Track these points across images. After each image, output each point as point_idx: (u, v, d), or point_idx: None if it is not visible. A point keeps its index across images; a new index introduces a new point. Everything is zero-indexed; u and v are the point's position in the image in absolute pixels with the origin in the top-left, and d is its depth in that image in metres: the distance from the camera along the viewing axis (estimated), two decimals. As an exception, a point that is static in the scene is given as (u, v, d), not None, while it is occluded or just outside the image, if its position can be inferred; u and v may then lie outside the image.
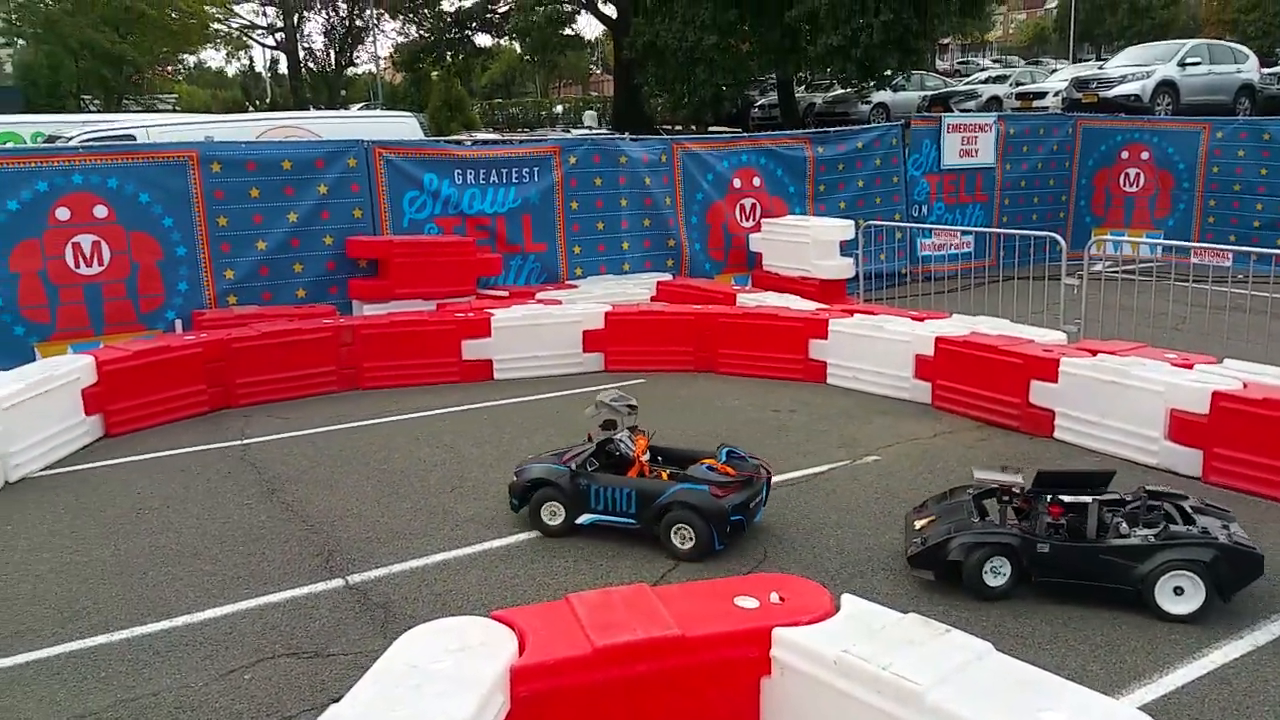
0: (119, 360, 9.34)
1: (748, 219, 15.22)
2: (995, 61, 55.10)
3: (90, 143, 12.58)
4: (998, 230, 16.38)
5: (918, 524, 6.09)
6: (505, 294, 12.93)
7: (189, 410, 9.77)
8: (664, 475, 6.69)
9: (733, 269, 15.14)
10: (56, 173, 10.78)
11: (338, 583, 6.12)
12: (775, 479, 7.41)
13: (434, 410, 9.93)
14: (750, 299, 12.42)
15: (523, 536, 6.72)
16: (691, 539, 6.28)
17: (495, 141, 18.08)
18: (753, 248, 14.89)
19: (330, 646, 5.37)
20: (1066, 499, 5.73)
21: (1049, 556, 5.60)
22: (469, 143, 14.77)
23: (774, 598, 4.06)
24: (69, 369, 8.94)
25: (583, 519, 6.63)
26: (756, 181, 15.30)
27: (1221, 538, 5.42)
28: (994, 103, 28.89)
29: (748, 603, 4.01)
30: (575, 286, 13.58)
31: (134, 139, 13.47)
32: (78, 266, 10.94)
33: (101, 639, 5.49)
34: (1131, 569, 5.45)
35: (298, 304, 12.10)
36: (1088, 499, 5.68)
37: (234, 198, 11.69)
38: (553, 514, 6.67)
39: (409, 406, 10.08)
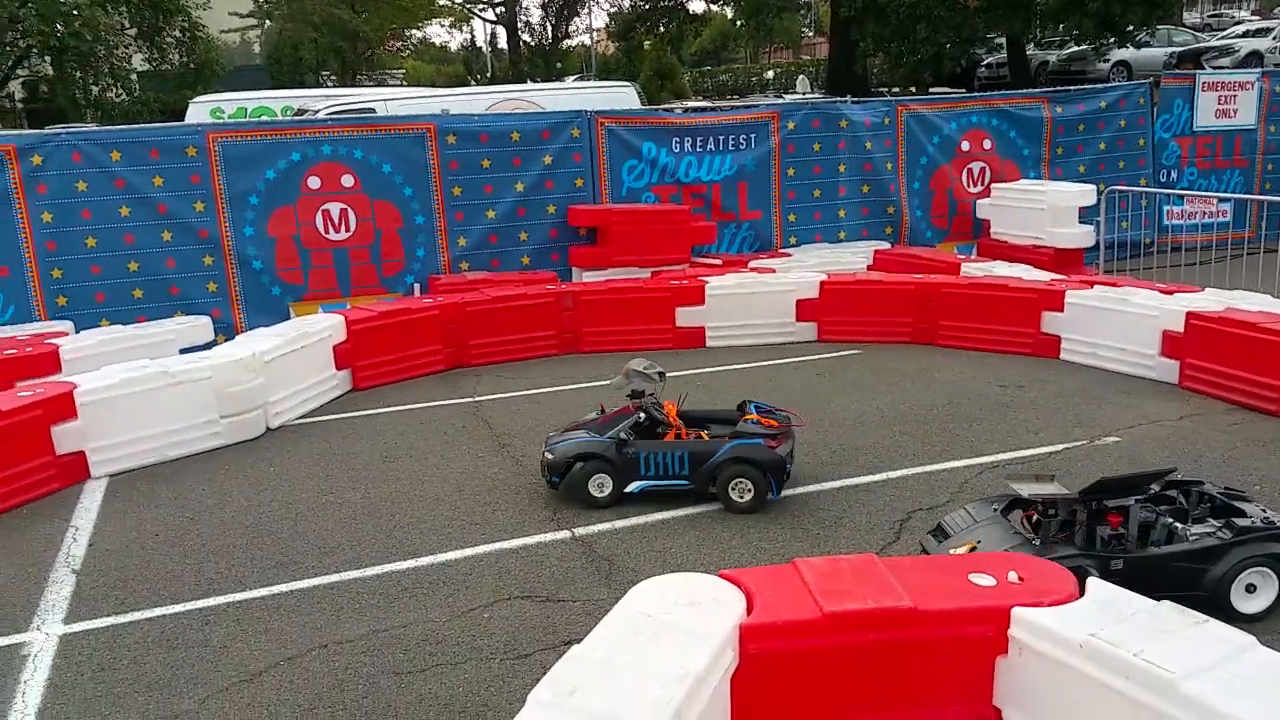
0: (366, 320, 10.04)
1: (975, 184, 14.56)
2: (1254, 14, 49.93)
3: (336, 116, 13.50)
4: (1262, 198, 14.92)
5: (954, 551, 5.18)
6: (719, 262, 12.97)
7: (427, 368, 10.40)
8: (704, 436, 6.83)
9: (956, 238, 14.56)
10: (308, 144, 11.66)
11: (565, 534, 6.38)
12: (1004, 457, 7.14)
13: (650, 375, 10.11)
14: (976, 268, 11.90)
15: (740, 501, 6.77)
16: (750, 492, 6.53)
17: (710, 109, 18.10)
18: (980, 215, 14.24)
19: (560, 593, 5.61)
20: (1112, 504, 5.14)
21: (1122, 573, 4.90)
22: (679, 110, 14.82)
23: (1012, 577, 3.91)
24: (322, 327, 9.69)
25: (632, 487, 6.65)
26: (987, 144, 14.60)
27: None
28: (1253, 59, 26.18)
29: (984, 580, 3.88)
30: (789, 255, 13.44)
31: (374, 112, 14.33)
32: (327, 232, 11.83)
33: (354, 574, 5.96)
34: (1205, 572, 4.96)
35: (523, 270, 12.62)
36: (1129, 501, 5.12)
37: (467, 168, 12.28)
38: (600, 486, 6.63)
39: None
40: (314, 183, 11.68)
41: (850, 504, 6.67)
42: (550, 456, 6.71)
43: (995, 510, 5.42)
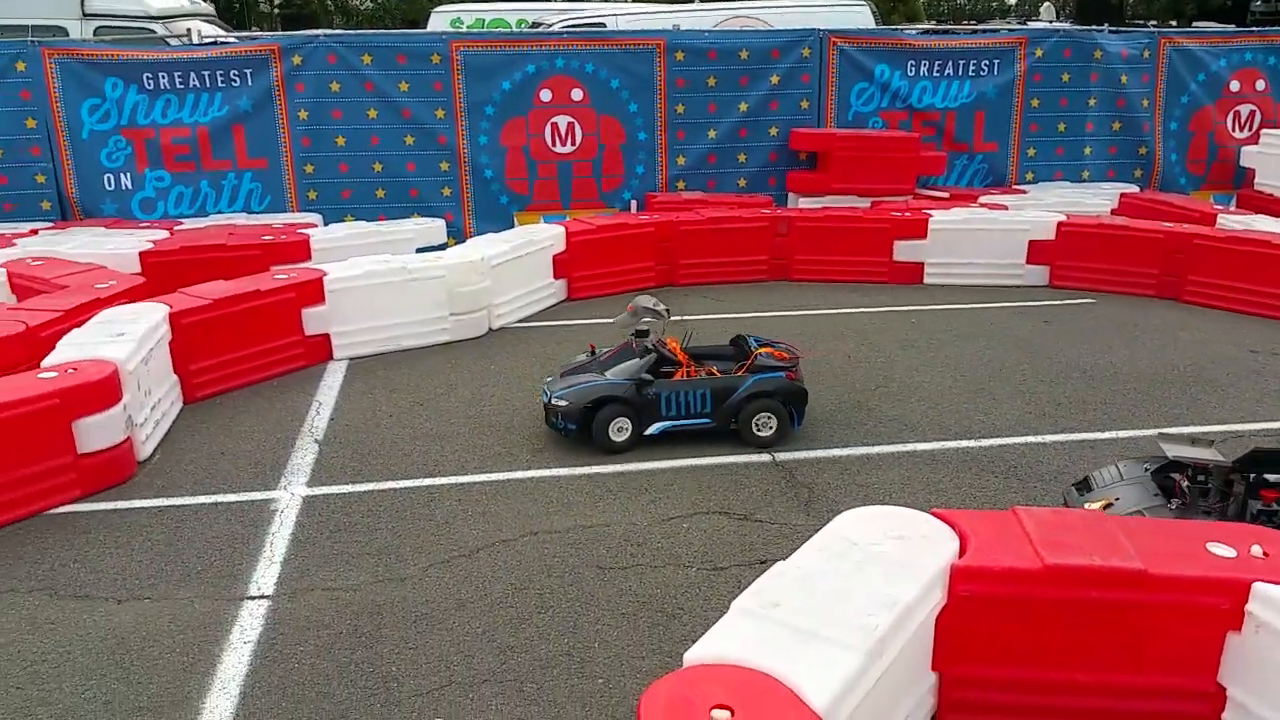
0: (584, 233, 10.30)
1: (1242, 129, 13.24)
2: None
3: (570, 29, 13.71)
4: None
5: (1091, 506, 4.88)
6: (946, 195, 12.45)
7: (637, 283, 10.59)
8: (715, 371, 6.70)
9: (1214, 186, 13.35)
10: (543, 56, 11.93)
11: (765, 457, 6.43)
12: (1248, 428, 6.61)
13: (859, 309, 9.92)
14: (1235, 221, 10.88)
15: (950, 444, 6.60)
16: (772, 426, 6.51)
17: (951, 31, 17.17)
18: (1244, 162, 12.97)
19: (757, 513, 5.69)
20: (1272, 477, 4.61)
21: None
22: (915, 33, 14.14)
23: (1256, 550, 3.64)
24: (544, 237, 10.03)
25: (653, 428, 6.48)
26: (1260, 85, 13.21)
27: None
28: None
29: (1223, 550, 3.63)
30: (1024, 192, 12.71)
31: (605, 26, 14.45)
32: (554, 145, 12.14)
33: (564, 471, 6.25)
34: None
35: (739, 192, 12.55)
36: None
37: (693, 86, 12.24)
38: (620, 430, 6.42)
39: (834, 302, 10.16)
40: (546, 95, 11.98)
41: (1073, 459, 6.35)
42: (564, 403, 6.40)
43: (1146, 470, 5.07)
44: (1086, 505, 4.97)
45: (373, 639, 4.52)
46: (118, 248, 9.39)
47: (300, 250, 9.73)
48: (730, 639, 3.00)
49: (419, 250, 10.16)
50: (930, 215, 10.79)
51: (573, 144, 12.16)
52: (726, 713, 2.64)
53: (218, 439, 6.80)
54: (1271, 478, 4.70)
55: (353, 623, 4.64)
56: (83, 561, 5.21)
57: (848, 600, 3.24)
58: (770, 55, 12.36)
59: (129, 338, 6.45)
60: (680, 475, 6.19)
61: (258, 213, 11.56)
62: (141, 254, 9.26)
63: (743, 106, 12.42)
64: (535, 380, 7.86)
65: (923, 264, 10.80)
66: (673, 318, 6.92)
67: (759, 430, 6.50)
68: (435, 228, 11.13)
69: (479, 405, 7.36)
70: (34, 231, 10.50)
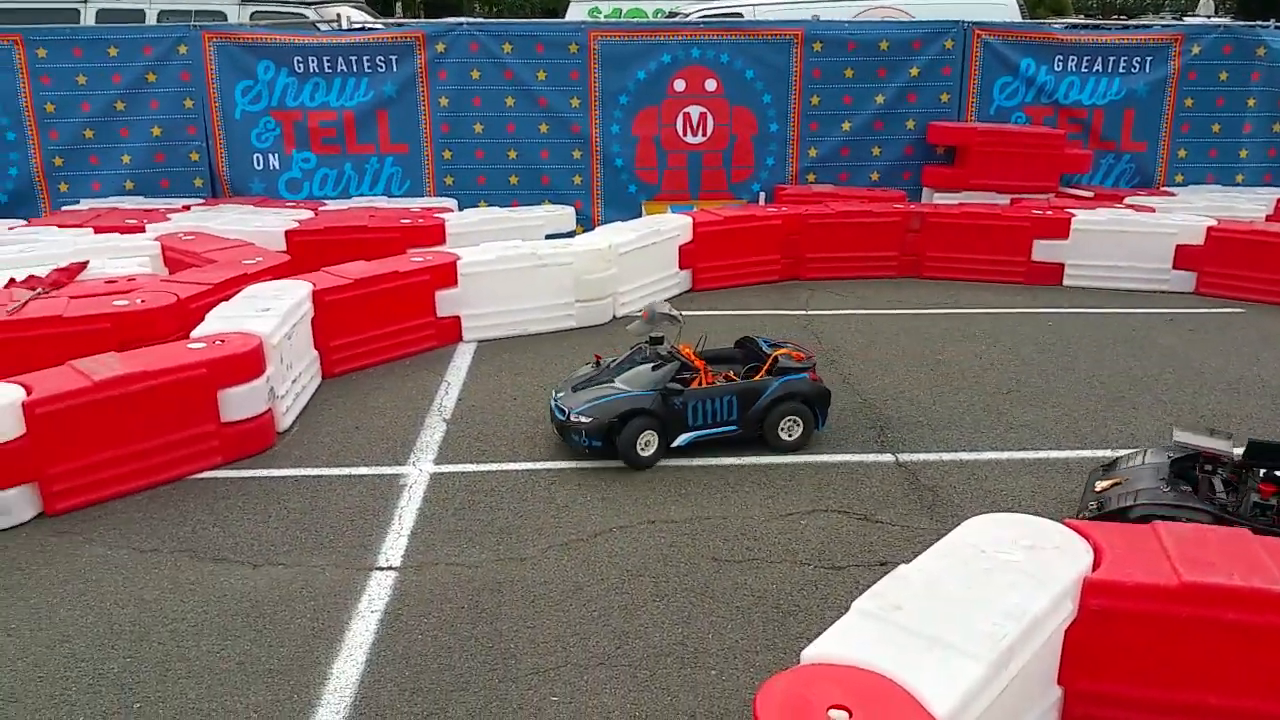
0: (711, 224, 10.29)
1: None
2: None
3: (707, 19, 13.69)
4: None
5: (1099, 485, 5.28)
6: (1090, 194, 11.94)
7: (762, 277, 10.53)
8: (733, 376, 6.49)
9: (1390, 193, 12.41)
10: (678, 46, 11.94)
11: (888, 458, 6.31)
12: None
13: (994, 309, 9.62)
14: None
15: (1086, 454, 6.33)
16: (799, 428, 6.32)
17: (1101, 26, 16.43)
18: None
19: (878, 514, 5.58)
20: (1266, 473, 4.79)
21: None
22: (1058, 27, 13.58)
23: None
24: (671, 226, 10.05)
25: (680, 440, 6.16)
26: None
27: None
28: None
29: (1380, 578, 3.39)
30: (1172, 194, 12.09)
31: (741, 16, 14.36)
32: (685, 135, 12.15)
33: (683, 461, 6.23)
34: None
35: (871, 186, 12.32)
36: None
37: (829, 77, 12.07)
38: (648, 444, 6.06)
39: (968, 301, 9.88)
40: (679, 85, 11.99)
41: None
42: (586, 420, 5.98)
43: (1169, 458, 5.20)
44: (1098, 484, 5.30)
45: (493, 615, 4.63)
46: (265, 226, 9.84)
47: (436, 234, 10.02)
48: (850, 639, 2.96)
49: (548, 236, 10.33)
50: (1073, 215, 10.37)
51: (704, 134, 12.15)
52: (844, 713, 2.61)
53: (353, 414, 7.07)
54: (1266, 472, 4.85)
55: (474, 598, 4.76)
56: (222, 526, 5.50)
57: (974, 608, 3.15)
58: (911, 47, 12.07)
59: (274, 313, 6.77)
60: (799, 471, 6.13)
61: (397, 196, 11.96)
62: (287, 232, 9.69)
63: (879, 99, 12.17)
64: (657, 369, 7.90)
65: (1063, 265, 10.39)
66: (687, 314, 6.81)
67: (786, 435, 6.29)
68: (565, 215, 11.29)
69: (601, 392, 7.44)
70: (186, 207, 11.12)
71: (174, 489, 5.91)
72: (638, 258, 9.47)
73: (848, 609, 3.21)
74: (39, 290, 7.26)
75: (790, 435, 6.31)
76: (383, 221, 10.05)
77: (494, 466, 6.23)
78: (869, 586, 3.34)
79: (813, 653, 2.93)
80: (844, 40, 12.00)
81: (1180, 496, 4.85)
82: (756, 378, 6.36)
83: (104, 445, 5.67)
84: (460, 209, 11.41)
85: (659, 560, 5.11)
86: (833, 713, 2.62)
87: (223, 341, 6.26)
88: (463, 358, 8.26)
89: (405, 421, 6.93)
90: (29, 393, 5.45)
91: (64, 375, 5.71)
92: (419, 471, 6.17)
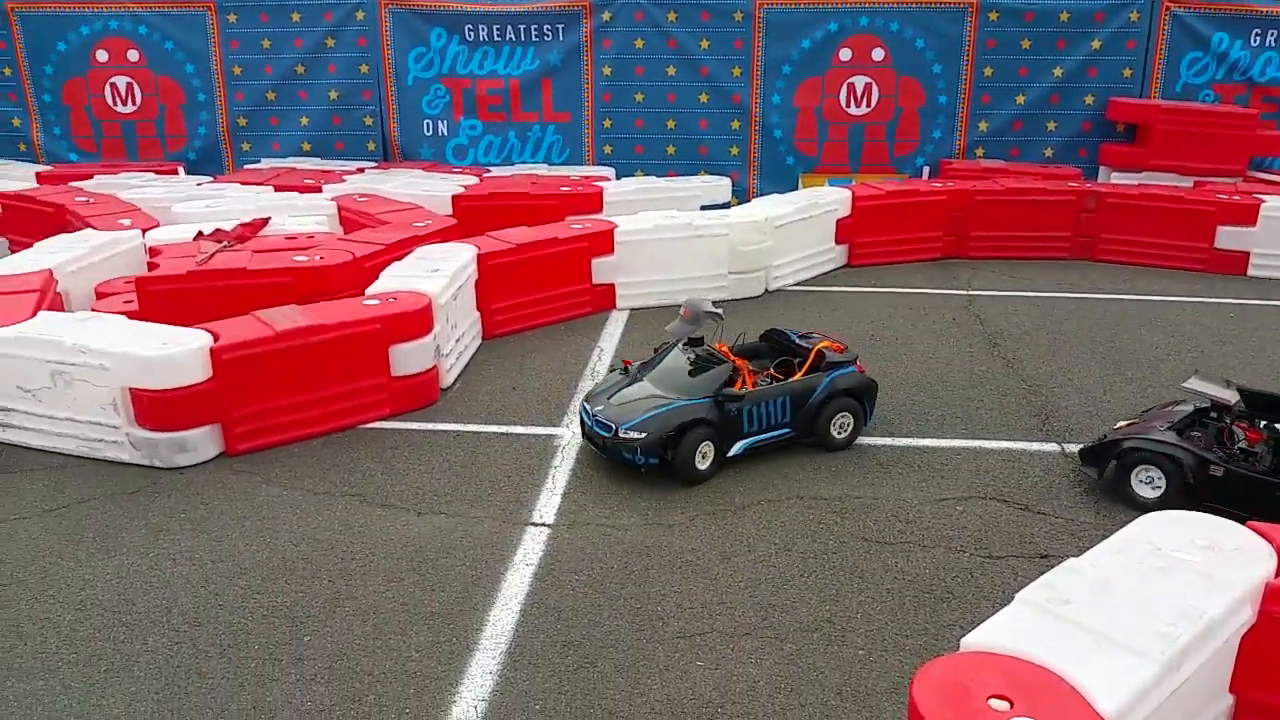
0: (872, 198, 10.06)
1: None
2: None
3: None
4: None
5: (1120, 424, 5.71)
6: (1286, 179, 11.08)
7: (923, 254, 10.24)
8: (773, 373, 6.06)
9: None
10: (846, 15, 11.66)
11: (1052, 447, 6.06)
12: None
13: (1172, 297, 9.08)
14: None
15: (1270, 454, 5.93)
16: (850, 425, 5.97)
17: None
18: None
19: (1040, 505, 5.38)
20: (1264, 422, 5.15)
21: (1220, 481, 5.08)
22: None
23: None
24: (829, 200, 9.88)
25: (735, 449, 5.71)
26: None
27: None
28: None
29: None
30: (1385, 180, 11.09)
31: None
32: (847, 106, 11.89)
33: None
34: None
35: (1043, 163, 11.78)
36: None
37: (1005, 48, 11.57)
38: (704, 456, 5.54)
39: (1143, 288, 9.35)
40: (845, 55, 11.74)
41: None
42: (640, 435, 5.44)
43: (1195, 406, 5.56)
44: (1120, 423, 5.72)
45: (641, 578, 4.71)
46: (434, 190, 10.18)
47: (594, 202, 10.15)
48: (1013, 630, 2.88)
49: (703, 208, 10.32)
50: (1263, 200, 9.65)
51: (868, 105, 11.87)
52: (1005, 704, 2.54)
53: (510, 375, 7.28)
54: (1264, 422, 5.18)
55: (623, 560, 4.85)
56: (389, 474, 5.77)
57: (1147, 607, 3.01)
58: (1093, 19, 11.43)
59: (442, 274, 7.02)
60: (956, 456, 5.96)
61: (557, 164, 12.17)
62: (454, 197, 10.00)
63: (1057, 71, 11.60)
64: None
65: (1248, 253, 9.72)
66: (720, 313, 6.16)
67: (838, 432, 5.94)
68: (721, 186, 11.25)
69: (753, 364, 7.41)
70: (360, 170, 11.63)
71: (345, 437, 6.23)
72: (793, 231, 9.36)
73: (1004, 599, 3.12)
74: (225, 243, 7.73)
75: (842, 433, 5.97)
76: (543, 189, 10.25)
77: (645, 433, 6.30)
78: (1027, 578, 3.24)
79: (973, 640, 2.86)
80: (1021, 10, 11.46)
81: (1168, 437, 5.28)
82: (799, 375, 5.95)
83: (282, 393, 6.03)
84: (617, 178, 11.52)
85: (807, 536, 5.07)
86: (993, 702, 2.55)
87: (395, 299, 6.53)
88: (615, 325, 8.37)
89: (560, 384, 7.09)
90: (216, 339, 5.84)
91: (248, 325, 6.08)
92: (572, 434, 6.30)
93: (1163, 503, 5.11)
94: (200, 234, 8.07)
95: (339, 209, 9.51)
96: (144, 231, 8.44)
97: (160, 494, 5.53)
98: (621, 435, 5.48)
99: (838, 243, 9.99)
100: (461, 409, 6.67)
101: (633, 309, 8.70)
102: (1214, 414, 5.42)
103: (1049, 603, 2.99)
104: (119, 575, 4.75)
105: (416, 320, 6.45)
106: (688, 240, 8.68)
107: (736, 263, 8.88)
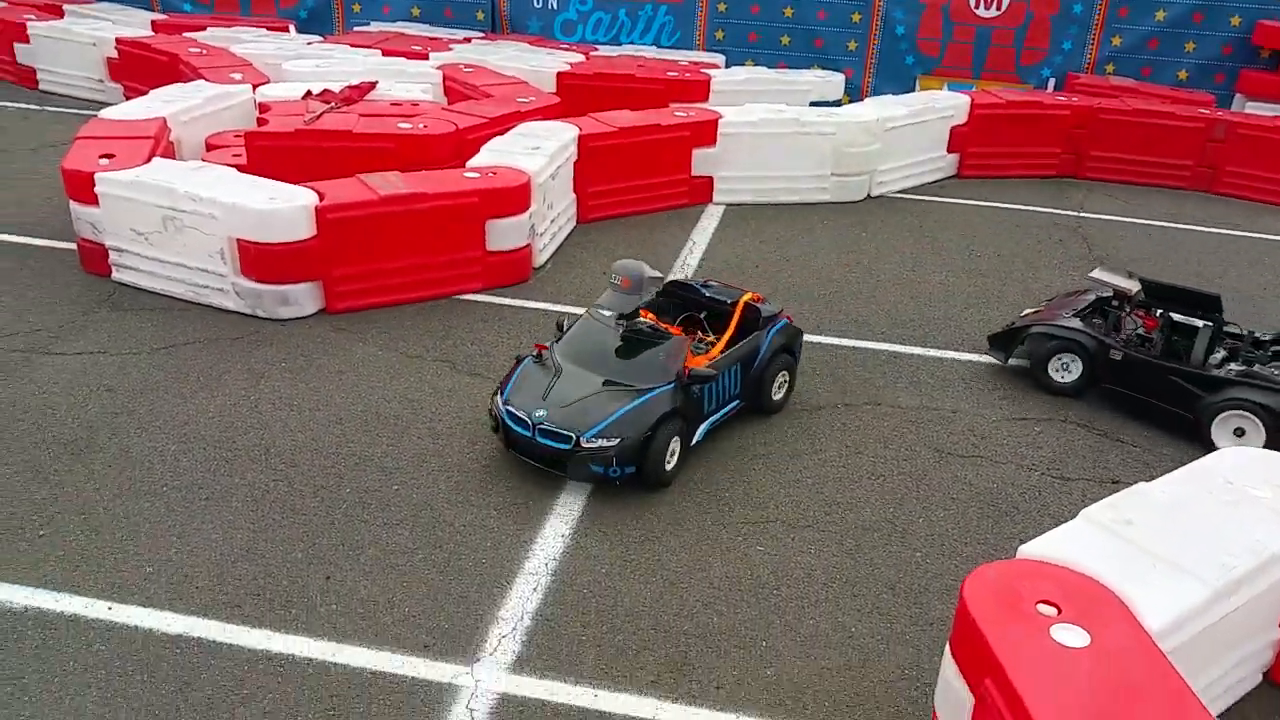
0: (992, 106, 9.68)
1: None
2: None
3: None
4: None
5: (1025, 311, 6.07)
6: None
7: (1037, 170, 9.88)
8: (702, 335, 5.37)
9: None
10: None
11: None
12: None
13: (1295, 236, 8.66)
14: None
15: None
16: (786, 383, 5.38)
17: None
18: None
19: (1120, 433, 5.32)
20: (1176, 317, 5.44)
21: (1120, 365, 5.42)
22: None
23: None
24: (946, 105, 9.55)
25: (696, 436, 4.86)
26: None
27: None
28: None
29: None
30: None
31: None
32: (977, 7, 11.35)
33: (916, 350, 6.14)
34: (1198, 398, 5.18)
35: (1175, 85, 11.15)
36: (1198, 322, 5.37)
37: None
38: (673, 454, 4.64)
39: (1266, 225, 8.92)
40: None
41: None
42: (611, 443, 4.44)
43: (1097, 295, 5.88)
44: (1025, 311, 6.07)
45: (711, 465, 4.84)
46: (539, 65, 10.14)
47: (700, 90, 10.00)
48: (1071, 542, 2.92)
49: (813, 103, 10.09)
50: None
51: (998, 8, 11.31)
52: (1053, 609, 2.61)
53: (601, 260, 7.35)
54: (1180, 319, 5.40)
55: (696, 446, 4.97)
56: (479, 345, 5.96)
57: (1209, 536, 3.02)
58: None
59: (543, 153, 7.07)
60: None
61: (666, 47, 11.96)
62: (559, 75, 9.96)
63: (1203, -14, 10.87)
64: (907, 256, 7.72)
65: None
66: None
67: (778, 393, 5.31)
68: (833, 82, 10.95)
69: (843, 271, 7.36)
70: (467, 39, 11.61)
71: (438, 305, 6.42)
72: (905, 135, 9.10)
73: (1069, 520, 3.15)
74: (333, 105, 7.89)
75: (779, 392, 5.34)
76: (650, 72, 10.12)
77: (730, 326, 6.35)
78: (1096, 501, 3.25)
79: (1030, 549, 2.92)
80: (1172, -83, 10.72)
81: (1073, 323, 5.60)
82: (727, 337, 5.14)
83: (381, 257, 6.22)
84: (727, 66, 11.29)
85: (879, 442, 5.12)
86: (1041, 607, 2.62)
87: (494, 174, 6.63)
88: (710, 219, 8.35)
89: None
90: (321, 199, 6.03)
91: (352, 187, 6.25)
92: (657, 321, 6.38)
93: (1075, 388, 5.56)
94: (309, 93, 8.24)
95: (444, 78, 9.57)
96: (254, 87, 8.64)
97: (262, 343, 5.82)
98: (585, 445, 4.45)
99: (949, 151, 9.69)
100: (551, 288, 6.80)
101: (729, 204, 8.64)
102: (1115, 302, 5.73)
103: (1112, 522, 3.02)
104: (221, 414, 5.08)
105: (514, 197, 6.54)
106: (793, 137, 8.53)
107: (841, 164, 8.71)
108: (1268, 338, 5.47)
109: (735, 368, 4.99)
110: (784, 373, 5.31)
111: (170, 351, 5.69)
